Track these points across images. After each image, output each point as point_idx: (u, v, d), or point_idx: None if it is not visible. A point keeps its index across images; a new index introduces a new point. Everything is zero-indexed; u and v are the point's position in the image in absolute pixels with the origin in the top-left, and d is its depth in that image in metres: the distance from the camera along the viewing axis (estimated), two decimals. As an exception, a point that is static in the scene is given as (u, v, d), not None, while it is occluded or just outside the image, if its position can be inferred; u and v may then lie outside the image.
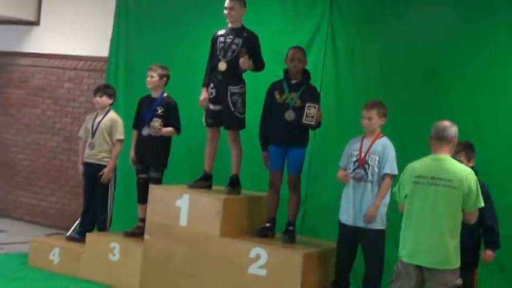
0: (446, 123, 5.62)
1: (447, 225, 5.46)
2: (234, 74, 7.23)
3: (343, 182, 6.58)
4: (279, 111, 7.03)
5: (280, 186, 7.18)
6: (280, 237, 7.10)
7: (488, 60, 7.25)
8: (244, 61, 7.08)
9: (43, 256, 8.14)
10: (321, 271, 6.83)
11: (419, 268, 5.51)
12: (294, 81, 7.07)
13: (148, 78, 7.88)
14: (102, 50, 10.05)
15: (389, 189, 6.40)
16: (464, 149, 6.21)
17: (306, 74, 7.14)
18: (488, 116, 7.23)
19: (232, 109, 7.23)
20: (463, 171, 5.52)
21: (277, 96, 7.08)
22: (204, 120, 7.44)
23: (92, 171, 8.28)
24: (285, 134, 7.01)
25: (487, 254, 6.18)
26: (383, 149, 6.47)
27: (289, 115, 6.99)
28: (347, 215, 6.53)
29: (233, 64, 7.15)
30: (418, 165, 5.62)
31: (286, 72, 7.12)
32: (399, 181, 5.76)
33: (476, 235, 6.16)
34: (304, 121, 6.83)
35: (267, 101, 7.20)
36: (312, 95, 7.01)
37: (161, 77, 7.86)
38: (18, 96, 11.21)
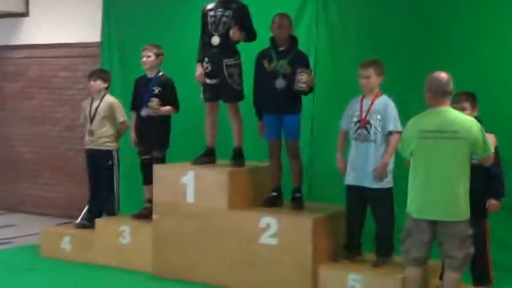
0: (446, 75, 5.56)
1: (455, 177, 5.45)
2: (228, 47, 7.18)
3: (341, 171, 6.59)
4: (269, 80, 6.98)
5: (279, 155, 7.16)
6: (288, 205, 7.09)
7: (487, 10, 7.19)
8: (234, 32, 7.03)
9: (54, 246, 8.17)
10: (332, 235, 6.83)
11: (430, 222, 5.50)
12: (281, 49, 7.00)
13: (145, 59, 7.83)
14: (94, 35, 10.00)
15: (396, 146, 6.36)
16: (468, 99, 6.19)
17: (293, 40, 7.06)
18: (490, 67, 7.20)
19: (229, 81, 7.19)
20: (467, 121, 5.50)
21: (266, 65, 7.02)
22: (202, 95, 7.41)
23: (95, 157, 8.26)
24: (277, 102, 6.97)
25: (491, 203, 6.16)
26: (384, 107, 6.43)
27: (280, 83, 6.94)
28: (353, 177, 6.52)
29: (226, 37, 7.10)
30: (422, 119, 5.59)
31: (273, 39, 7.05)
32: (403, 137, 5.76)
33: (484, 185, 6.12)
34: (296, 87, 6.78)
35: (257, 70, 7.14)
36: (301, 61, 6.95)
37: (157, 56, 7.83)
38: (15, 89, 11.18)
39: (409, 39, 7.57)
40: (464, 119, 5.51)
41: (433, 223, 5.50)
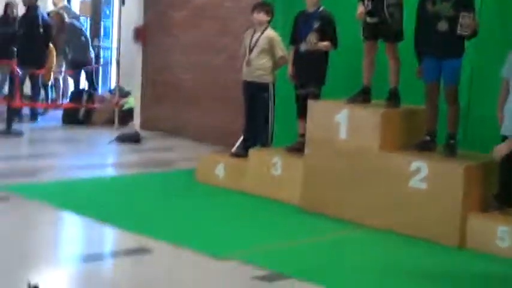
0: None
1: None
2: None
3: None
4: (432, 22, 6.83)
5: (437, 98, 7.03)
6: (441, 151, 6.99)
7: None
8: None
9: (209, 172, 8.46)
10: (483, 184, 6.70)
11: None
12: None
13: None
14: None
15: None
16: None
17: None
18: None
19: (390, 21, 7.12)
20: None
21: (429, 7, 6.86)
22: (361, 33, 7.37)
23: (251, 88, 8.41)
24: (438, 45, 6.83)
25: None
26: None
27: (442, 25, 6.78)
28: (508, 127, 6.30)
29: None
30: None
31: None
32: None
33: None
34: (459, 31, 6.61)
35: (419, 12, 7.00)
36: (465, 3, 6.73)
37: None
38: (180, 17, 11.45)
39: None
40: None
41: None
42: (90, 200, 7.54)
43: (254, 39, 8.36)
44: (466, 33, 6.63)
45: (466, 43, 6.94)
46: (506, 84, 6.44)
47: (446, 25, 6.76)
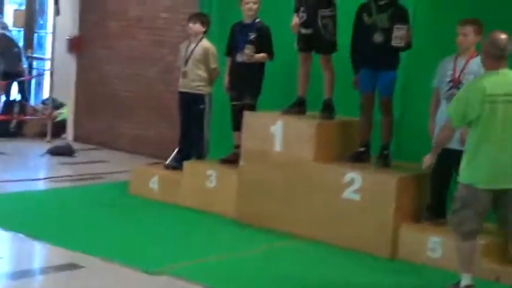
0: (504, 37, 5.27)
1: None
2: None
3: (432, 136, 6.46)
4: (368, 34, 6.88)
5: (371, 110, 7.09)
6: (375, 161, 7.02)
7: None
8: None
9: (143, 184, 8.35)
10: (416, 195, 6.74)
11: (492, 191, 5.28)
12: (382, 2, 6.88)
13: (251, 4, 7.80)
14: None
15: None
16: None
17: None
18: None
19: (323, 32, 7.14)
20: None
21: (366, 18, 6.93)
22: (296, 44, 7.37)
23: (187, 100, 8.35)
24: (374, 56, 6.89)
25: None
26: (479, 68, 6.19)
27: (378, 37, 6.83)
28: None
29: None
30: (486, 83, 5.26)
31: None
32: (462, 103, 5.31)
33: None
34: (393, 43, 6.67)
35: (356, 23, 7.06)
36: (401, 16, 6.81)
37: (259, 3, 7.82)
38: (116, 28, 11.31)
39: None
40: None
41: (495, 192, 5.28)
42: (20, 215, 7.34)
43: (190, 50, 8.31)
44: (400, 45, 6.70)
45: (401, 55, 6.99)
46: (437, 95, 6.54)
47: (382, 37, 6.82)
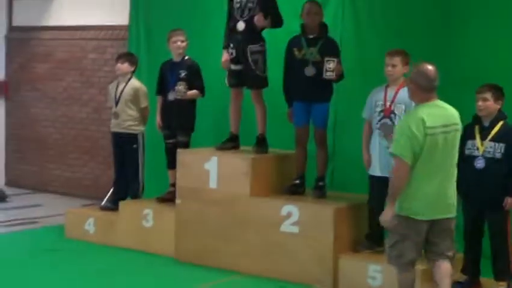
0: (433, 69, 5.25)
1: (455, 172, 5.34)
2: (253, 33, 7.15)
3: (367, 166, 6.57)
4: (299, 67, 6.96)
5: (306, 142, 7.15)
6: (311, 193, 7.07)
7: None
8: (258, 19, 7.01)
9: (79, 227, 8.25)
10: (354, 225, 6.80)
11: (429, 221, 5.27)
12: (311, 36, 6.98)
13: (179, 43, 7.84)
14: (122, 18, 10.00)
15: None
16: (491, 90, 6.08)
17: (323, 28, 7.04)
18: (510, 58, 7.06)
19: (254, 68, 7.17)
20: (455, 111, 5.37)
21: (296, 53, 7.01)
22: (226, 80, 7.41)
23: (120, 140, 8.30)
24: (306, 89, 6.96)
25: (508, 201, 5.99)
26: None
27: (309, 70, 6.92)
28: (375, 167, 6.48)
29: (251, 23, 7.08)
30: (424, 115, 5.18)
31: (303, 27, 7.04)
32: (410, 136, 5.12)
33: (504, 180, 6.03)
34: (324, 76, 6.75)
35: (287, 57, 7.14)
36: (331, 49, 6.92)
37: (187, 40, 7.85)
38: (43, 70, 11.23)
39: (432, 30, 7.46)
40: (454, 110, 5.36)
41: (431, 222, 5.29)
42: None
43: (119, 90, 8.28)
44: (331, 77, 6.76)
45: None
46: (368, 125, 6.61)
47: (313, 70, 6.90)
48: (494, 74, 6.78)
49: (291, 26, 7.29)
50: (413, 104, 6.16)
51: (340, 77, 6.89)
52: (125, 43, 10.03)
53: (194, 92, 7.80)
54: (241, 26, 7.14)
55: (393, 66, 6.42)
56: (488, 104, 6.00)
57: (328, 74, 6.73)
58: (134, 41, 9.71)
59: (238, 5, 7.18)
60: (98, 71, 10.64)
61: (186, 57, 7.90)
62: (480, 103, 6.04)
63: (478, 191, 6.00)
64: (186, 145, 7.84)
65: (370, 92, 6.64)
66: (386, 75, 6.48)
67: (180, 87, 7.69)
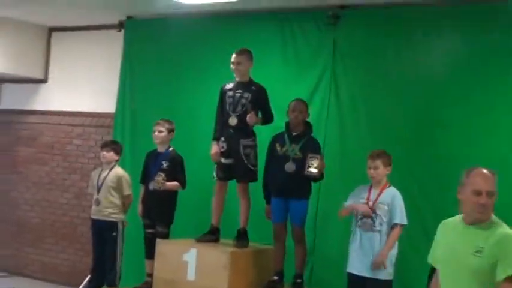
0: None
1: None
2: (245, 128, 7.22)
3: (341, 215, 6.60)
4: (280, 163, 7.02)
5: (285, 239, 7.14)
6: (289, 290, 7.04)
7: (490, 102, 7.19)
8: (251, 118, 7.10)
9: (53, 315, 8.13)
10: (331, 323, 6.76)
11: None
12: (294, 133, 7.08)
13: (156, 133, 7.90)
14: (108, 105, 10.10)
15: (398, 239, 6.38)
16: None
17: (307, 126, 7.14)
18: (496, 159, 7.13)
19: (246, 162, 7.21)
20: None
21: (278, 148, 7.08)
22: (215, 173, 7.40)
23: (100, 227, 8.27)
24: (285, 186, 7.00)
25: None
26: (392, 199, 6.44)
27: (290, 167, 6.98)
28: (354, 265, 6.47)
29: (243, 118, 7.16)
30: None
31: (288, 124, 7.14)
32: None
33: None
34: (306, 172, 6.80)
35: (269, 153, 7.21)
36: (313, 147, 7.00)
37: (169, 131, 7.91)
38: (27, 153, 11.26)
39: (415, 131, 7.56)
40: None
41: None
42: None
43: (102, 177, 8.30)
44: (314, 174, 6.80)
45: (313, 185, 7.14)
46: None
47: (293, 166, 6.95)
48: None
49: (277, 122, 7.38)
50: (395, 203, 6.27)
51: (320, 175, 6.94)
52: (109, 131, 10.11)
53: (174, 183, 7.82)
54: (233, 121, 7.21)
55: (375, 168, 6.50)
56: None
57: (311, 169, 6.78)
58: (119, 129, 9.77)
59: (231, 100, 7.27)
60: (81, 157, 10.67)
61: (171, 149, 7.96)
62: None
63: None
64: (165, 236, 7.80)
65: (357, 187, 6.69)
66: (370, 177, 6.55)
67: (159, 178, 7.70)
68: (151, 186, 7.84)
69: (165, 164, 7.83)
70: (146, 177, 8.03)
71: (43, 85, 11.16)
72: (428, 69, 7.60)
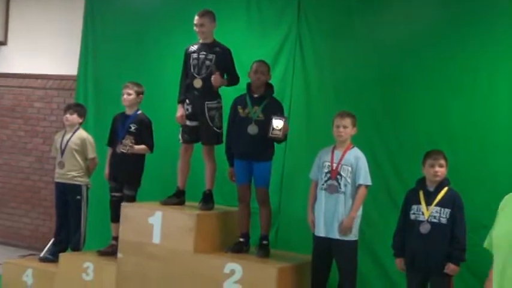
0: None
1: None
2: (210, 90, 7.16)
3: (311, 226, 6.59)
4: (242, 126, 6.98)
5: (249, 201, 7.13)
6: (255, 251, 7.06)
7: (456, 67, 7.23)
8: (215, 79, 7.04)
9: (16, 278, 8.05)
10: (297, 285, 6.78)
11: None
12: (256, 95, 7.02)
13: (125, 96, 7.81)
14: (71, 68, 9.98)
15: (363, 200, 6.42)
16: (444, 156, 6.20)
17: (269, 88, 7.07)
18: (457, 123, 7.21)
19: (211, 124, 7.18)
20: None
21: (240, 111, 7.03)
22: (180, 136, 7.37)
23: (64, 190, 8.20)
24: (248, 148, 6.96)
25: (450, 267, 6.05)
26: (356, 160, 6.45)
27: (252, 129, 6.94)
28: (320, 227, 6.50)
29: (208, 80, 7.09)
30: None
31: (249, 85, 7.07)
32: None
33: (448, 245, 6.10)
34: (271, 134, 6.77)
35: (231, 115, 7.16)
36: (275, 108, 6.94)
37: (137, 94, 7.82)
38: (-13, 117, 11.12)
39: (381, 94, 7.59)
40: None
41: None
42: None
43: (65, 140, 8.20)
44: (277, 135, 6.76)
45: (277, 145, 7.13)
46: (314, 186, 6.65)
47: (256, 128, 6.91)
48: (443, 140, 6.95)
49: (242, 84, 7.32)
50: (360, 164, 6.30)
51: (284, 137, 6.88)
52: (71, 93, 10.01)
53: (142, 147, 7.74)
54: (198, 83, 7.16)
55: (344, 127, 6.49)
56: (444, 170, 6.13)
57: (275, 132, 6.75)
58: (82, 92, 9.67)
59: (195, 62, 7.20)
60: (42, 121, 10.56)
61: (139, 112, 7.86)
62: (437, 169, 6.14)
63: (423, 256, 6.06)
64: (131, 199, 7.75)
65: (318, 153, 6.69)
66: (336, 136, 6.53)
67: (127, 141, 7.60)
68: (119, 149, 7.74)
69: (133, 127, 7.74)
70: (113, 139, 7.94)
71: (3, 47, 10.98)
72: (395, 31, 7.60)
